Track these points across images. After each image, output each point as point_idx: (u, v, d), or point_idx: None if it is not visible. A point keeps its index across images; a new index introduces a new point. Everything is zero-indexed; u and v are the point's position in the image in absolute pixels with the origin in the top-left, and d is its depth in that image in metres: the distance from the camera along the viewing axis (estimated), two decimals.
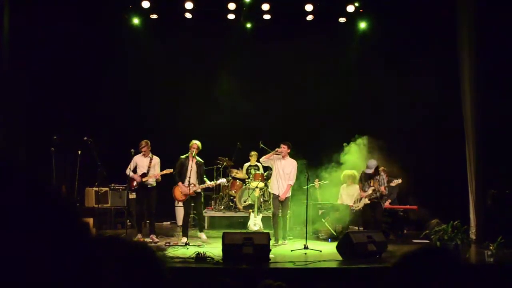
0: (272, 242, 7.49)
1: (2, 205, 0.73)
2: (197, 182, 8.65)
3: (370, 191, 8.47)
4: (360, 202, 8.72)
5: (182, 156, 8.71)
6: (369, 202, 8.50)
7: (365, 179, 8.60)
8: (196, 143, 8.58)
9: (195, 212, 9.39)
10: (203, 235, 8.84)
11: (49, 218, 0.77)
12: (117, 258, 0.99)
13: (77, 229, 0.82)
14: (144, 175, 8.65)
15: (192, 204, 9.00)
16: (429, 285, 1.11)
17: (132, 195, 10.19)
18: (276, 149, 8.52)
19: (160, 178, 8.78)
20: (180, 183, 8.58)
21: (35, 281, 0.73)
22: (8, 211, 0.73)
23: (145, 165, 8.68)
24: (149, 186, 8.71)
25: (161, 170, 8.74)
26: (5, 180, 0.75)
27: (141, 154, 8.74)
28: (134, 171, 8.72)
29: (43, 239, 0.75)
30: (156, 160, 8.80)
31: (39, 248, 0.74)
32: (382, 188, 8.39)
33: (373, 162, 8.48)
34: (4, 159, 0.77)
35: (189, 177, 8.45)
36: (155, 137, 9.12)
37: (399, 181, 8.68)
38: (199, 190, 8.74)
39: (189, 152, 8.59)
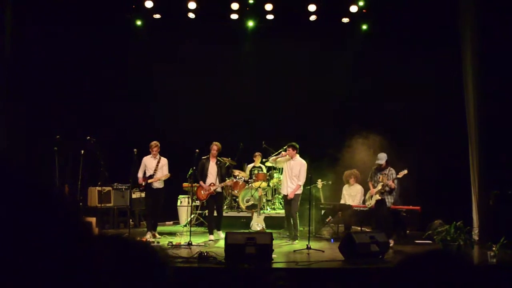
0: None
1: (5, 205, 0.73)
2: (217, 181, 8.92)
3: (379, 186, 8.42)
4: (371, 199, 8.67)
5: (203, 157, 9.01)
6: (380, 198, 8.43)
7: (375, 173, 8.56)
8: (216, 144, 8.95)
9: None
10: (213, 237, 8.78)
11: (51, 218, 0.77)
12: (120, 258, 0.99)
13: (80, 229, 0.82)
14: (150, 177, 8.81)
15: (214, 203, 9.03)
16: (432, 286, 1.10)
17: (136, 195, 10.25)
18: (282, 153, 8.77)
19: (162, 179, 8.89)
20: (201, 182, 8.91)
21: (37, 280, 0.73)
22: (11, 211, 0.73)
23: (153, 167, 8.83)
24: (154, 188, 8.84)
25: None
26: (7, 180, 0.75)
27: (150, 155, 8.89)
28: (144, 172, 8.90)
29: (46, 238, 0.75)
30: (164, 161, 8.94)
31: (42, 247, 0.74)
32: (390, 182, 8.31)
33: (383, 154, 8.47)
34: (7, 160, 0.77)
35: (209, 177, 8.88)
36: (156, 137, 9.13)
37: (405, 171, 8.33)
38: (219, 190, 8.97)
39: (210, 153, 8.98)
